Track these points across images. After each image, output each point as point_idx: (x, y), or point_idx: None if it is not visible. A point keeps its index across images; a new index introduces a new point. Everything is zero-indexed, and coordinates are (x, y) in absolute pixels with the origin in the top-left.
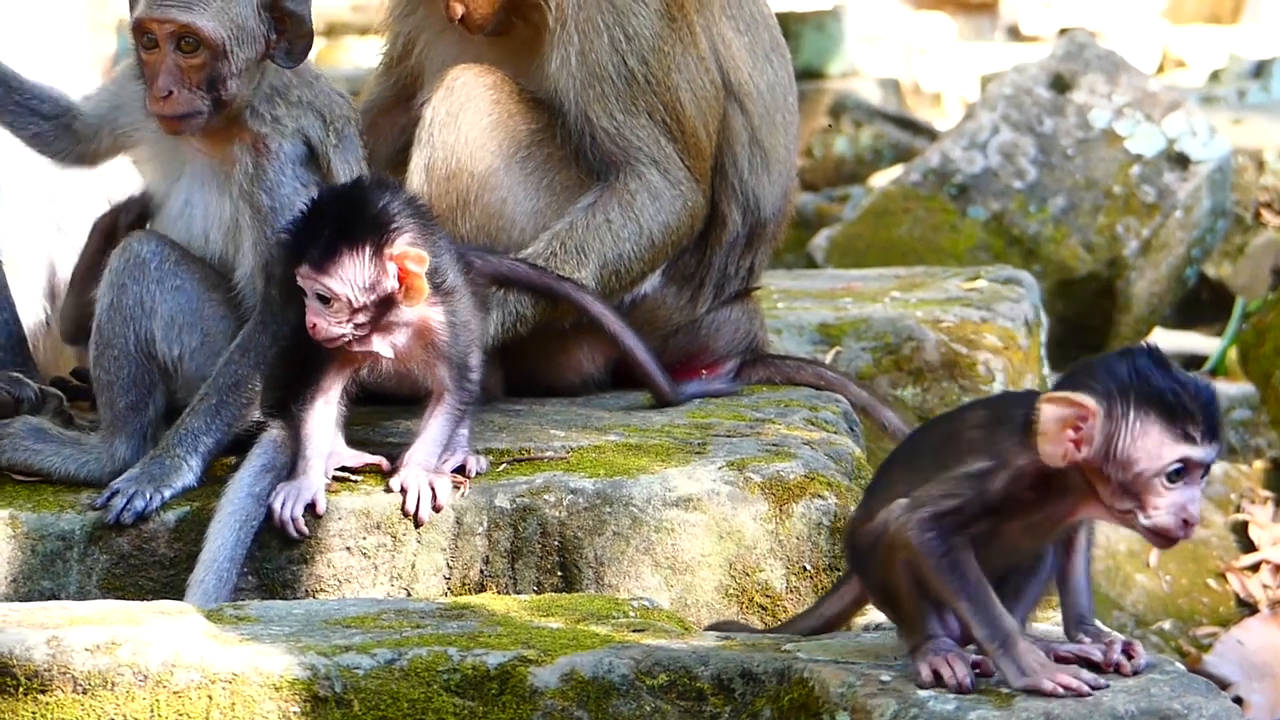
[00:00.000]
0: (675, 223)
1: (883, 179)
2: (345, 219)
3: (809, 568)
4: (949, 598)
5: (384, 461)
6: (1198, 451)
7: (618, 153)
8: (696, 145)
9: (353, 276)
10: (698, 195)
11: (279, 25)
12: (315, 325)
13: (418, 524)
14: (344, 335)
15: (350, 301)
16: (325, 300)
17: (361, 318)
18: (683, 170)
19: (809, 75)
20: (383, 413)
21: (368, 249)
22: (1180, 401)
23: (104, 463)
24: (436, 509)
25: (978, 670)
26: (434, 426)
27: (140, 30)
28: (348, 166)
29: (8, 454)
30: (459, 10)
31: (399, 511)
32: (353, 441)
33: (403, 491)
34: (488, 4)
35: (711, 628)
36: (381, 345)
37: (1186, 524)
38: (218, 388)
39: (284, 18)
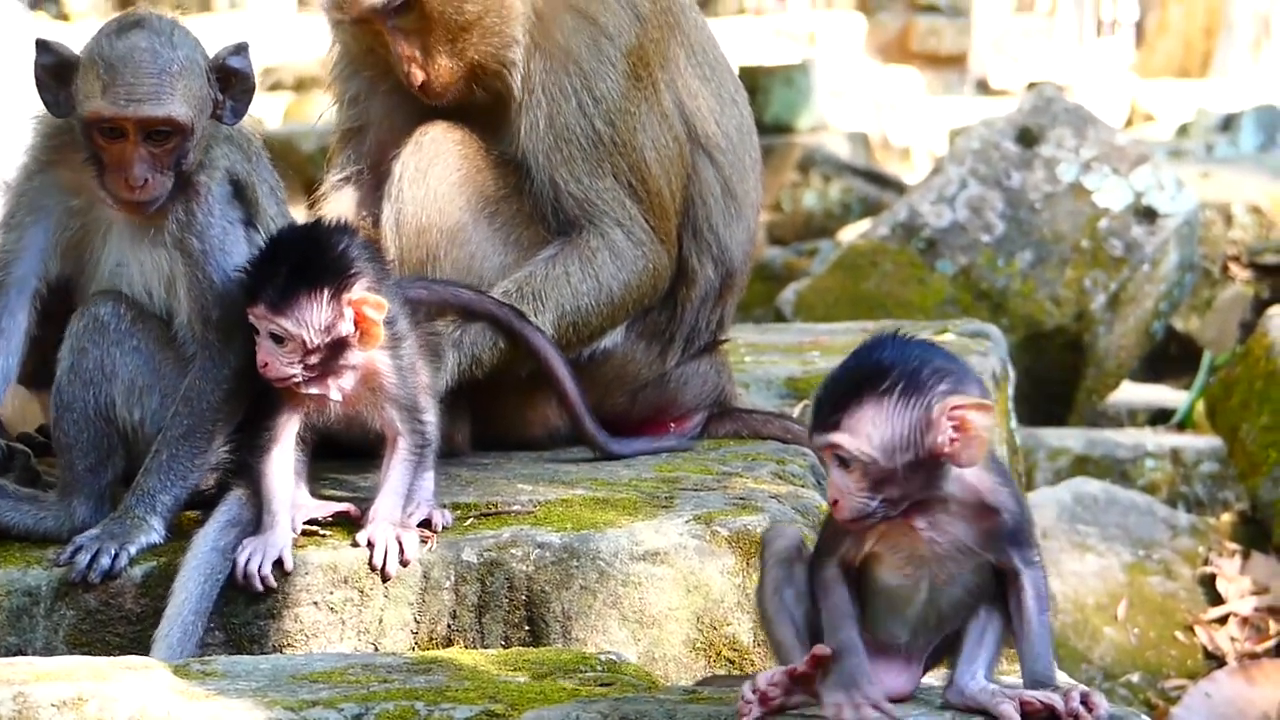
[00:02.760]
0: (636, 282)
1: (851, 233)
2: (304, 260)
3: None
4: (824, 621)
5: (352, 509)
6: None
7: (582, 215)
8: (660, 205)
9: (309, 318)
10: (661, 255)
11: (224, 84)
12: (267, 364)
13: (385, 578)
14: (294, 376)
15: (305, 343)
16: (279, 340)
17: (313, 359)
18: (646, 231)
19: (777, 129)
20: (351, 466)
21: (326, 292)
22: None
23: (62, 520)
24: (404, 563)
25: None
26: (393, 476)
27: (104, 123)
28: (266, 186)
29: None
30: (419, 78)
31: (366, 566)
32: (320, 496)
33: (370, 546)
34: (448, 72)
35: (702, 683)
36: (330, 388)
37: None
38: (167, 442)
39: (229, 76)
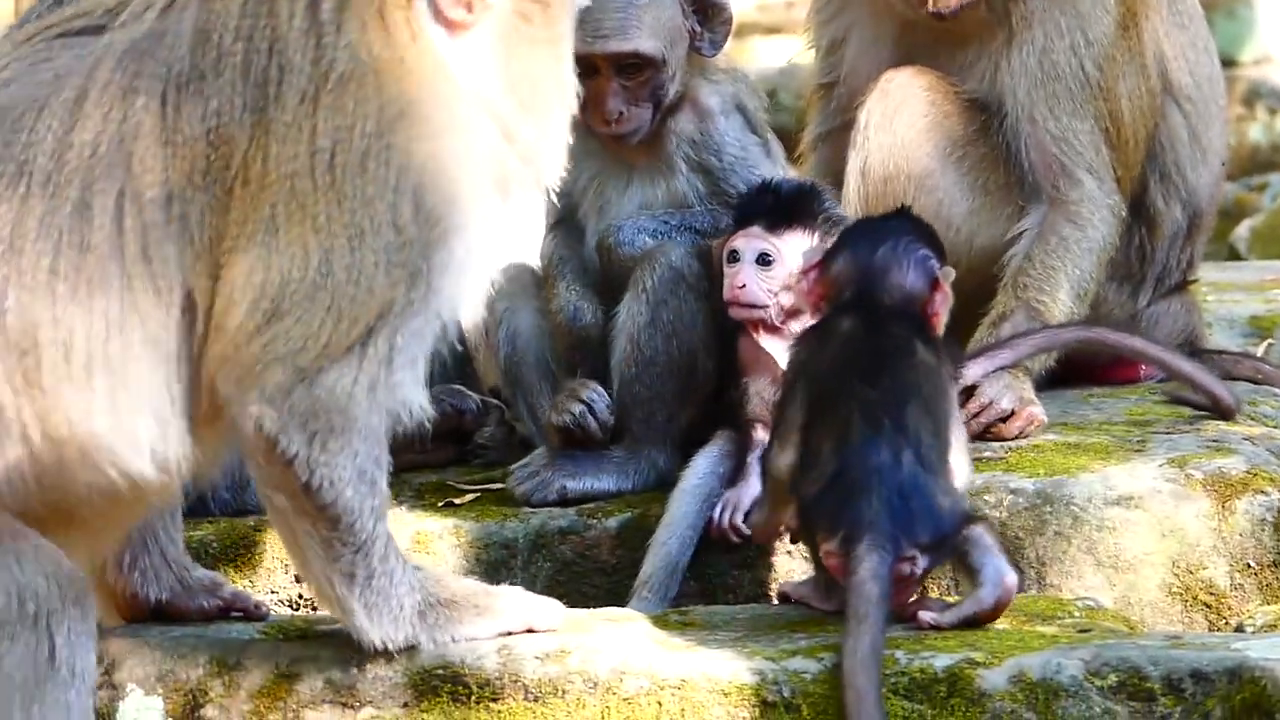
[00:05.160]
0: (1113, 235)
1: None
2: (801, 200)
3: (1253, 565)
4: None
5: None
6: None
7: (1057, 157)
8: (1125, 156)
9: (804, 249)
10: (1122, 206)
11: (701, 16)
12: (745, 285)
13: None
14: (766, 307)
15: (790, 273)
16: (766, 262)
17: (785, 298)
18: (1113, 181)
19: (1221, 63)
20: None
21: (818, 234)
22: None
23: (646, 474)
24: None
25: None
26: None
27: (575, 60)
28: (775, 139)
29: (555, 488)
30: None
31: None
32: None
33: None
34: None
35: None
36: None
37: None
38: None
39: (706, 7)
